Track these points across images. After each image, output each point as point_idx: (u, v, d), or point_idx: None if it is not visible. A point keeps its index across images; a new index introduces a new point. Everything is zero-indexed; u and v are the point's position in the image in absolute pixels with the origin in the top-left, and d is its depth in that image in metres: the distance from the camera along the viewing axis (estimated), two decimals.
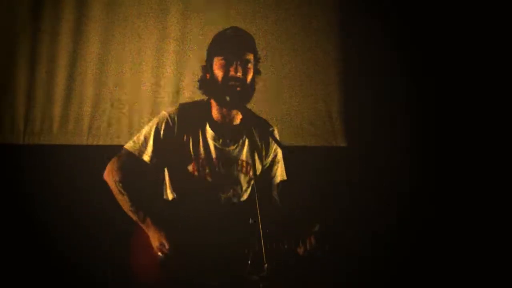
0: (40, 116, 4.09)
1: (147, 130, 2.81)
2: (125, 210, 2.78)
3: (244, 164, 2.91)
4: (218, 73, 2.77)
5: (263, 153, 2.99)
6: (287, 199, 3.01)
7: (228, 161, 2.90)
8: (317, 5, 4.39)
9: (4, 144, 4.02)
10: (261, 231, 2.52)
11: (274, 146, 2.99)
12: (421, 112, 4.32)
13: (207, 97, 2.91)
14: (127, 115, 4.16)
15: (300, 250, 2.77)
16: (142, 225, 2.77)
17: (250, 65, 2.79)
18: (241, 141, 2.92)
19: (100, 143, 4.12)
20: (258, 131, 2.96)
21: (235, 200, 2.91)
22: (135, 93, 4.18)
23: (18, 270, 3.86)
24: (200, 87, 2.88)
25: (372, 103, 4.36)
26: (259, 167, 2.97)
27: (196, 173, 2.84)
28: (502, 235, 4.16)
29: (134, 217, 2.76)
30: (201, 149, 2.85)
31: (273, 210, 2.90)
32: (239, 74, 2.75)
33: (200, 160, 2.85)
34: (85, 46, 4.13)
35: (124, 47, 4.16)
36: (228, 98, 2.75)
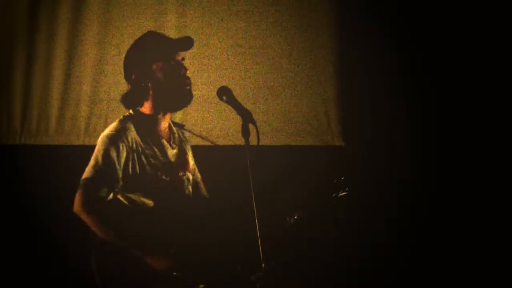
0: (37, 116, 4.10)
1: (104, 150, 2.66)
2: (109, 239, 2.62)
3: (186, 162, 2.91)
4: (166, 78, 2.75)
5: (190, 151, 2.99)
6: (285, 199, 3.00)
7: (179, 162, 2.88)
8: (316, 4, 4.37)
9: (1, 144, 4.03)
10: (257, 230, 2.51)
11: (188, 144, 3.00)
12: (421, 112, 4.31)
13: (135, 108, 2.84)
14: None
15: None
16: (133, 250, 2.64)
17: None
18: (177, 142, 2.90)
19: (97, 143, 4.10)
20: (180, 128, 2.97)
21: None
22: None
23: (15, 272, 3.85)
24: (137, 99, 2.80)
25: (370, 103, 4.35)
26: (192, 164, 2.97)
27: (166, 178, 2.80)
28: (502, 235, 4.16)
29: (121, 244, 2.62)
30: (159, 155, 2.80)
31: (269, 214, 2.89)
32: (188, 73, 2.78)
33: (164, 166, 2.80)
34: (81, 46, 4.13)
35: (121, 47, 4.14)
36: (225, 98, 2.72)
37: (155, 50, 2.78)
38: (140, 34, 4.13)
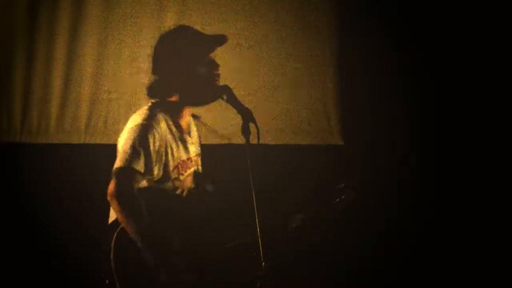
0: (37, 115, 4.10)
1: (140, 138, 2.60)
2: (130, 233, 2.53)
3: (200, 157, 2.91)
4: (206, 70, 2.74)
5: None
6: (284, 198, 3.01)
7: (196, 157, 2.87)
8: (316, 5, 4.38)
9: (1, 143, 4.03)
10: (258, 229, 2.51)
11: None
12: (421, 112, 4.32)
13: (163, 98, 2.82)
14: (124, 114, 4.16)
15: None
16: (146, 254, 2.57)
17: None
18: (195, 136, 2.90)
19: (97, 141, 4.11)
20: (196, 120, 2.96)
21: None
22: (132, 92, 4.16)
23: (15, 270, 3.85)
24: (165, 90, 2.77)
25: (369, 102, 4.36)
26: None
27: (180, 176, 2.79)
28: (502, 235, 4.16)
29: (139, 243, 2.55)
30: (181, 151, 2.81)
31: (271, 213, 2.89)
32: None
33: (182, 163, 2.81)
34: (82, 45, 4.13)
35: (121, 46, 4.16)
36: (225, 97, 2.73)
37: (188, 44, 2.73)
38: (141, 33, 4.18)
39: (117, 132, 4.06)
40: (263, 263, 2.52)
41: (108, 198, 2.54)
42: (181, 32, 2.82)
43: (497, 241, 4.16)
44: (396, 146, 4.28)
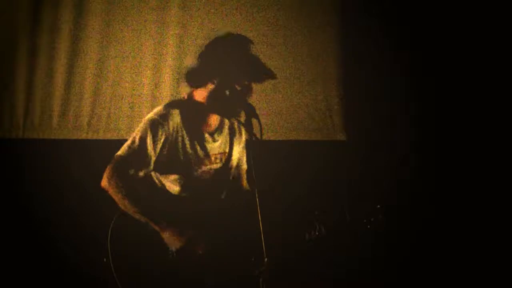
0: (40, 110, 4.09)
1: (141, 135, 2.73)
2: (131, 213, 2.72)
3: (226, 156, 2.92)
4: (240, 92, 2.74)
5: (238, 144, 2.99)
6: (287, 193, 3.01)
7: (217, 155, 2.89)
8: (317, 5, 4.39)
9: (4, 138, 4.02)
10: (260, 225, 2.51)
11: (242, 137, 2.99)
12: (421, 112, 4.33)
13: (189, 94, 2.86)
14: (127, 109, 4.16)
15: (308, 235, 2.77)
16: (152, 224, 2.73)
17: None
18: (224, 134, 2.91)
19: (100, 137, 4.11)
20: (233, 123, 2.96)
21: (223, 196, 2.92)
22: (134, 87, 4.18)
23: (18, 265, 3.85)
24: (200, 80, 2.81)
25: (372, 97, 4.37)
26: (235, 158, 2.97)
27: (196, 173, 2.83)
28: (502, 235, 4.16)
29: (143, 219, 2.73)
30: (197, 147, 2.83)
31: (275, 204, 2.90)
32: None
33: (197, 159, 2.83)
34: (84, 41, 4.12)
35: (124, 41, 4.16)
36: (228, 92, 2.73)
37: (244, 59, 2.76)
38: (144, 29, 4.19)
39: (120, 128, 4.13)
40: (265, 259, 2.52)
41: (101, 183, 2.71)
42: (244, 45, 2.81)
43: (497, 241, 4.16)
44: (397, 139, 4.29)
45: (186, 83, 2.84)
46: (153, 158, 2.73)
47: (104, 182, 2.72)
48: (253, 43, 2.82)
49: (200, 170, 2.84)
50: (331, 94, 4.40)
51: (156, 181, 2.84)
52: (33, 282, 3.88)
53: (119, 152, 2.74)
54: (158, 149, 2.73)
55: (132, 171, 2.71)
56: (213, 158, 2.87)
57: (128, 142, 2.74)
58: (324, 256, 4.09)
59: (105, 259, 2.66)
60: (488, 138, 4.25)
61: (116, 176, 2.70)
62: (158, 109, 2.79)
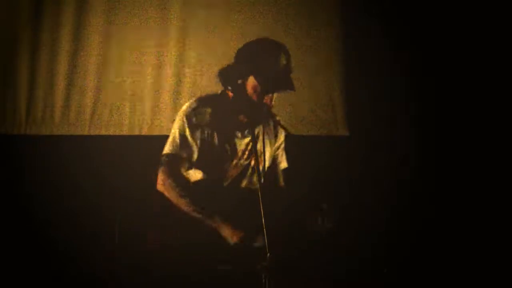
0: (42, 106, 4.10)
1: (180, 129, 2.78)
2: (188, 212, 2.74)
3: (259, 154, 2.91)
4: (251, 92, 2.78)
5: (273, 142, 3.01)
6: (290, 188, 3.01)
7: (247, 152, 2.92)
8: (317, 5, 4.39)
9: (6, 134, 4.03)
10: (263, 219, 2.50)
11: (280, 135, 3.02)
12: (421, 111, 4.33)
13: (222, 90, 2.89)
14: (129, 105, 4.17)
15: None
16: (209, 222, 2.74)
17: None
18: (256, 132, 2.92)
19: (102, 133, 4.11)
20: (268, 121, 2.97)
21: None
22: (137, 83, 4.18)
23: (18, 260, 3.84)
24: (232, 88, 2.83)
25: (372, 97, 4.37)
26: (269, 156, 2.99)
27: (224, 165, 2.87)
28: (502, 235, 4.16)
29: (199, 216, 2.74)
30: (227, 143, 2.86)
31: (279, 199, 2.90)
32: (272, 103, 2.79)
33: (227, 154, 2.86)
34: (86, 36, 4.14)
35: (126, 37, 4.17)
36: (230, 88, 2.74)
37: (271, 71, 2.79)
38: (146, 23, 4.19)
39: (122, 123, 4.14)
40: (268, 254, 2.51)
41: (157, 187, 2.73)
42: (278, 53, 2.86)
43: (497, 241, 4.16)
44: (398, 136, 4.29)
45: (219, 81, 2.87)
46: (196, 148, 2.78)
47: (160, 185, 2.75)
48: (287, 53, 2.87)
49: (229, 166, 2.87)
50: (334, 89, 4.40)
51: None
52: (33, 282, 3.88)
53: (164, 152, 2.78)
54: (197, 140, 2.78)
55: (183, 169, 2.76)
56: (240, 154, 2.89)
57: (170, 139, 2.79)
58: (324, 256, 4.09)
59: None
60: (488, 138, 4.25)
61: (170, 176, 2.74)
62: (191, 102, 2.85)
